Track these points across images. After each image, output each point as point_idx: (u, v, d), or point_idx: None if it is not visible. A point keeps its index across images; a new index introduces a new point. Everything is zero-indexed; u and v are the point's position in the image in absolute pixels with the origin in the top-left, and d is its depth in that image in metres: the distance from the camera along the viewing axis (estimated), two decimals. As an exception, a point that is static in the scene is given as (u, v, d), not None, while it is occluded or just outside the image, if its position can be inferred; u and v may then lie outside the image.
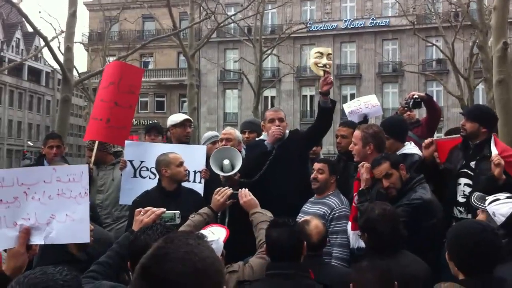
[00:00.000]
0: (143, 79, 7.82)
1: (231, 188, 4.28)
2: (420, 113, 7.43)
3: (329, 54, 5.28)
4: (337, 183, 5.02)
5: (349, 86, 42.46)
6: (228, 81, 45.50)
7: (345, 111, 6.55)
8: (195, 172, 5.62)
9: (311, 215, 4.34)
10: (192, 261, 1.47)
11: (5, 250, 2.87)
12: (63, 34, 14.30)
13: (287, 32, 32.25)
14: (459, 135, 4.93)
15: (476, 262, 2.71)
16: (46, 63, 50.53)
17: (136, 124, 37.35)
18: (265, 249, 3.46)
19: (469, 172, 4.66)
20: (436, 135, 6.10)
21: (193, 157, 5.56)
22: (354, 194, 4.52)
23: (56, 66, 14.11)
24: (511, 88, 8.38)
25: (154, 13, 28.99)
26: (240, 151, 5.51)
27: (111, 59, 25.50)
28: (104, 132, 6.33)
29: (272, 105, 40.10)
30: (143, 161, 5.90)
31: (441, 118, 7.19)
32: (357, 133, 4.85)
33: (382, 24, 42.47)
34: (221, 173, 5.12)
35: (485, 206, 3.45)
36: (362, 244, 4.06)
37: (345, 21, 43.07)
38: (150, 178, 5.80)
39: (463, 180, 4.69)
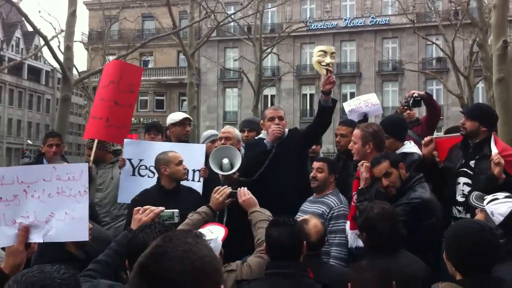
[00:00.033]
0: (143, 77, 7.83)
1: (230, 187, 4.28)
2: (420, 112, 7.43)
3: (332, 53, 5.28)
4: (336, 182, 5.01)
5: (349, 85, 42.45)
6: (228, 80, 45.50)
7: (345, 109, 6.53)
8: (194, 171, 5.61)
9: (309, 214, 4.34)
10: (190, 259, 1.47)
11: (3, 248, 2.88)
12: (63, 33, 14.33)
13: (287, 31, 32.29)
14: (459, 134, 4.92)
15: (474, 262, 2.70)
16: (46, 62, 50.58)
17: (135, 122, 37.37)
18: (264, 248, 3.46)
19: (469, 171, 4.64)
20: (435, 133, 6.09)
21: (192, 156, 5.55)
22: (353, 193, 4.51)
23: (56, 65, 14.13)
24: (511, 87, 8.38)
25: (153, 12, 29.00)
26: (239, 150, 5.51)
27: (111, 58, 25.52)
28: (104, 131, 6.33)
29: (272, 104, 40.10)
30: (142, 160, 5.90)
31: (441, 117, 7.18)
32: (356, 132, 4.84)
33: (382, 23, 42.45)
34: (220, 172, 5.12)
35: (484, 206, 3.45)
36: (360, 243, 4.05)
37: (345, 19, 43.06)
38: (148, 176, 5.79)
39: (462, 179, 4.67)
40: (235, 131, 6.25)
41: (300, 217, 4.27)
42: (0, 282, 2.18)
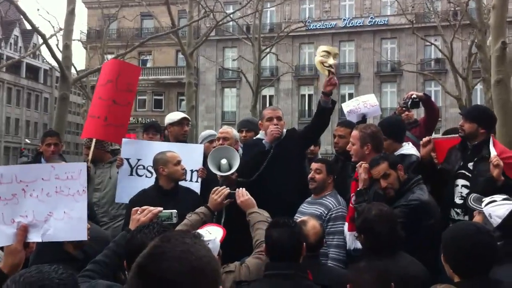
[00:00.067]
0: (141, 77, 7.83)
1: (228, 188, 4.28)
2: (418, 113, 7.44)
3: (335, 54, 5.28)
4: (335, 183, 5.01)
5: (347, 86, 42.44)
6: (227, 79, 45.50)
7: (344, 110, 6.54)
8: (192, 171, 5.61)
9: (308, 215, 4.34)
10: (188, 260, 1.47)
11: (1, 248, 2.87)
12: (61, 32, 14.33)
13: (285, 31, 32.26)
14: (457, 135, 4.92)
15: (472, 264, 2.71)
16: (44, 60, 50.52)
17: (134, 122, 37.40)
18: (264, 249, 3.45)
19: (467, 173, 4.65)
20: (434, 135, 6.09)
21: (190, 156, 5.54)
22: (352, 195, 4.51)
23: (54, 63, 14.13)
24: (510, 88, 8.38)
25: (152, 11, 28.92)
26: (237, 150, 5.50)
27: (110, 57, 25.43)
28: (102, 130, 6.32)
29: (271, 104, 40.11)
30: (139, 159, 5.89)
31: (439, 118, 7.17)
32: (355, 133, 4.84)
33: (380, 23, 42.51)
34: (218, 173, 5.11)
35: (482, 208, 3.45)
36: (358, 245, 4.05)
37: (344, 19, 43.10)
38: (146, 176, 5.79)
39: (460, 182, 4.68)
40: (233, 131, 6.25)
41: (298, 218, 4.27)
42: (-1, 281, 2.17)
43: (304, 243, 3.42)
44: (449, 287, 2.67)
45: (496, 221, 3.29)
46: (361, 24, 42.85)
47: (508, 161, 4.41)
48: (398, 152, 5.01)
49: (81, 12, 60.52)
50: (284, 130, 5.44)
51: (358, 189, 4.44)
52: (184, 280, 1.44)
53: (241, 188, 4.24)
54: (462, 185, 4.65)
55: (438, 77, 33.97)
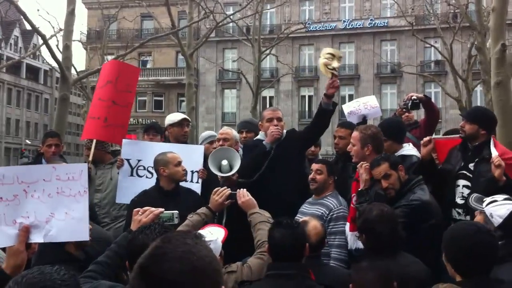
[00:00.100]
0: (141, 78, 7.85)
1: (229, 188, 4.29)
2: (419, 115, 7.45)
3: (340, 57, 5.28)
4: (335, 184, 5.02)
5: (347, 87, 42.41)
6: (227, 80, 45.49)
7: (344, 111, 6.55)
8: (192, 172, 5.61)
9: (309, 215, 4.35)
10: (190, 260, 1.47)
11: (3, 250, 2.87)
12: (62, 32, 14.31)
13: (285, 32, 32.29)
14: (458, 135, 4.93)
15: (473, 264, 2.71)
16: (44, 61, 50.38)
17: (134, 123, 37.38)
18: (266, 249, 3.46)
19: (468, 174, 4.66)
20: (434, 136, 6.10)
21: (190, 157, 5.54)
22: (352, 195, 4.52)
23: (54, 64, 14.07)
24: (509, 90, 8.38)
25: (152, 11, 28.95)
26: (237, 151, 5.51)
27: (110, 57, 25.50)
28: (102, 131, 6.32)
29: (271, 105, 40.06)
30: (140, 160, 5.89)
31: (439, 120, 7.18)
32: (355, 134, 4.85)
33: (380, 25, 42.51)
34: (219, 174, 5.12)
35: (483, 208, 3.46)
36: (360, 245, 4.06)
37: (344, 21, 43.11)
38: (147, 177, 5.79)
39: (461, 182, 4.69)
40: (233, 132, 6.25)
41: (299, 218, 4.28)
42: (1, 282, 2.17)
43: (307, 244, 3.42)
44: (451, 287, 2.67)
45: (497, 220, 3.29)
46: (361, 26, 42.85)
47: (509, 162, 4.42)
48: (398, 153, 5.02)
49: (81, 13, 60.53)
50: (284, 131, 5.45)
51: (359, 189, 4.45)
52: (185, 280, 1.44)
53: (242, 189, 4.25)
54: (463, 185, 4.66)
55: (438, 79, 33.98)
